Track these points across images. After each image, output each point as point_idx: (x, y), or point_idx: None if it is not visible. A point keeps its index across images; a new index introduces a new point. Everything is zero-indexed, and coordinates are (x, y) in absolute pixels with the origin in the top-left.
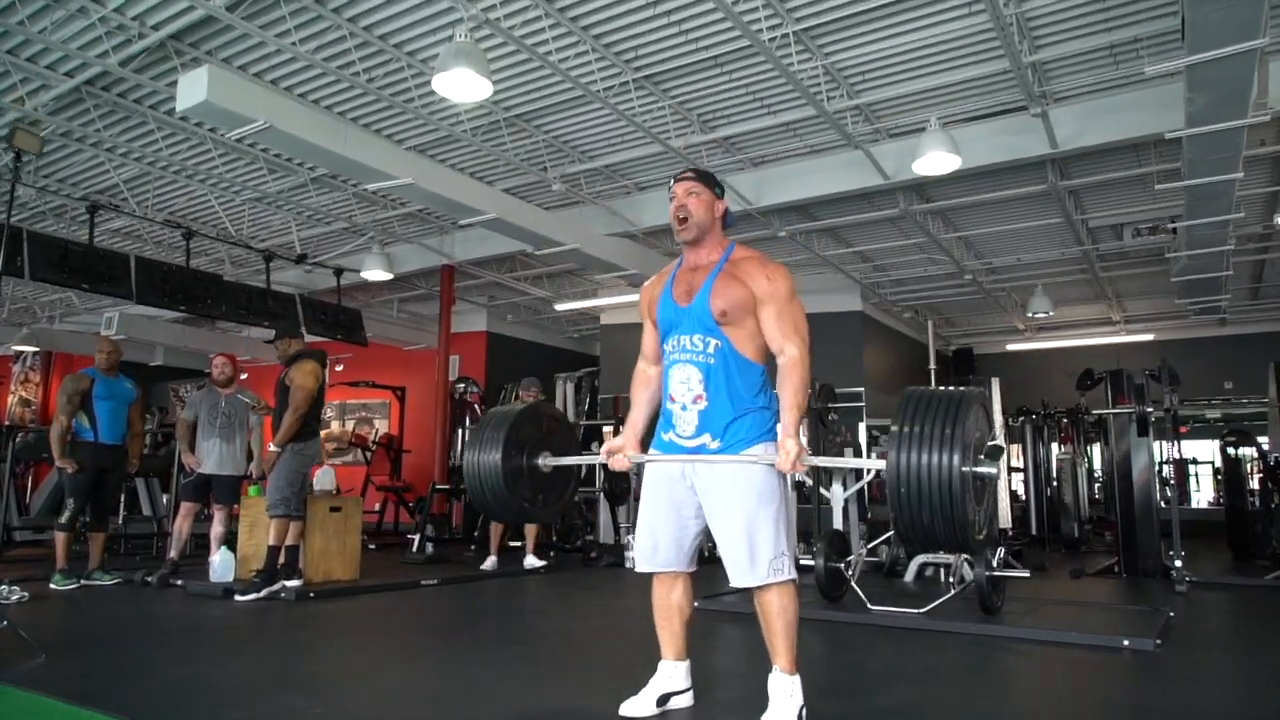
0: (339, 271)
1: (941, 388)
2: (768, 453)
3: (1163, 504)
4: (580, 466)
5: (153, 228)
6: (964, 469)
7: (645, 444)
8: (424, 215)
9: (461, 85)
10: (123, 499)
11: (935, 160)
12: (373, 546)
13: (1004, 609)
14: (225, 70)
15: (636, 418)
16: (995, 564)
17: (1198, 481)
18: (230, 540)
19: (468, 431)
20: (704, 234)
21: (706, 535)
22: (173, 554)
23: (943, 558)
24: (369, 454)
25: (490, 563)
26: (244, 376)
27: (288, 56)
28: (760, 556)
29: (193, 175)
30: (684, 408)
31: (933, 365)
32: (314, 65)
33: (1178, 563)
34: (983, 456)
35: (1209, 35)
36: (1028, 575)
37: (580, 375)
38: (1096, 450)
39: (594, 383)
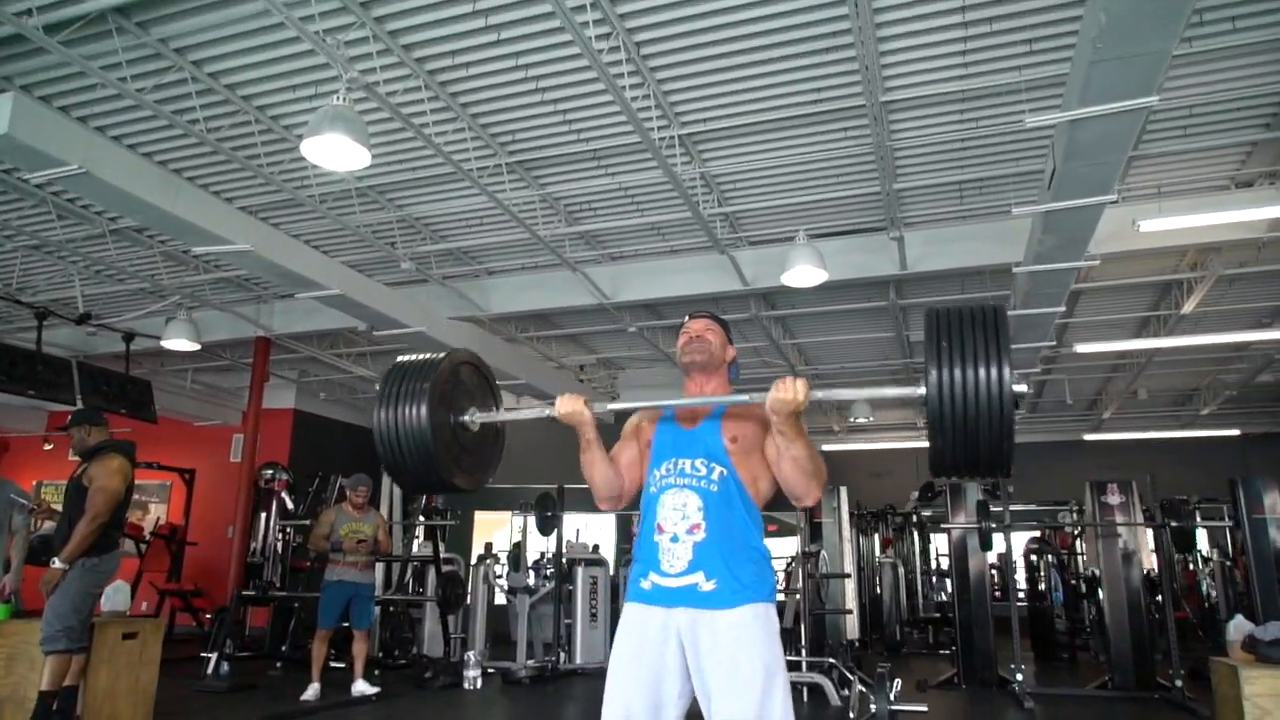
0: (129, 336)
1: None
2: (769, 615)
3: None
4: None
5: None
6: (1014, 388)
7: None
8: (240, 282)
9: (335, 153)
10: None
11: (803, 273)
12: None
13: None
14: (33, 100)
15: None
16: (893, 696)
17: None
18: None
19: (274, 523)
20: (715, 363)
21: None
22: None
23: (806, 677)
24: (143, 546)
25: (313, 691)
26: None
27: (112, 92)
28: None
29: None
30: (675, 539)
31: None
32: (144, 107)
33: (1019, 676)
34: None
35: (1073, 186)
36: (925, 710)
37: None
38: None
39: None
